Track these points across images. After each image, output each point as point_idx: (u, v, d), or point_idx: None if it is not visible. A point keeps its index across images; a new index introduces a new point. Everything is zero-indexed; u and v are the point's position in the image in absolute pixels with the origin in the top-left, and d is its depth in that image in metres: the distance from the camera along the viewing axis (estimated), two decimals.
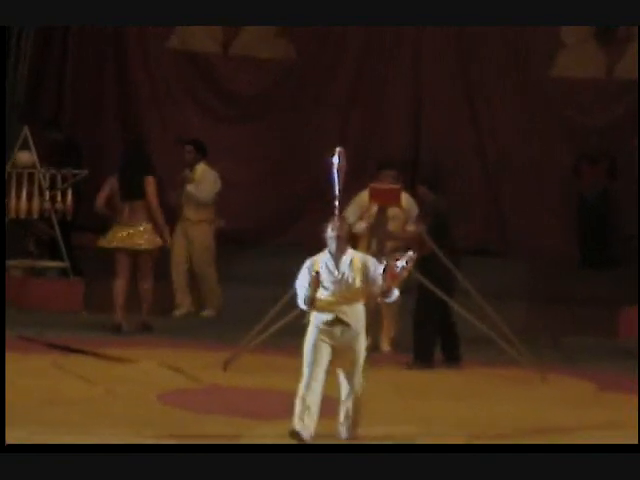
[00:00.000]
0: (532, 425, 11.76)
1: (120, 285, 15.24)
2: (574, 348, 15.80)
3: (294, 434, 9.69)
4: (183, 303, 17.02)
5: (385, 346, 14.95)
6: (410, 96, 20.90)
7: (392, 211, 14.38)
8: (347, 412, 9.91)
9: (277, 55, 20.78)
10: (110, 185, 15.35)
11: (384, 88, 20.79)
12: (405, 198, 14.46)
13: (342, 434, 9.96)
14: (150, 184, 15.24)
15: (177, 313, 16.96)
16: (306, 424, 9.77)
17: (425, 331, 14.16)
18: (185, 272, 16.99)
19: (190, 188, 16.55)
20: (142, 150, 16.39)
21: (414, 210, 14.53)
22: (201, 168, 16.71)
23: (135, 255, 15.32)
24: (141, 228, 15.31)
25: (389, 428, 10.65)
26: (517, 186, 20.27)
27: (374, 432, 10.28)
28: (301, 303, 10.01)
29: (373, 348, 13.32)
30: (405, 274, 9.95)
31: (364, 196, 14.35)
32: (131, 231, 15.38)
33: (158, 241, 15.25)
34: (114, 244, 15.26)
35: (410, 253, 10.08)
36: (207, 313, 17.04)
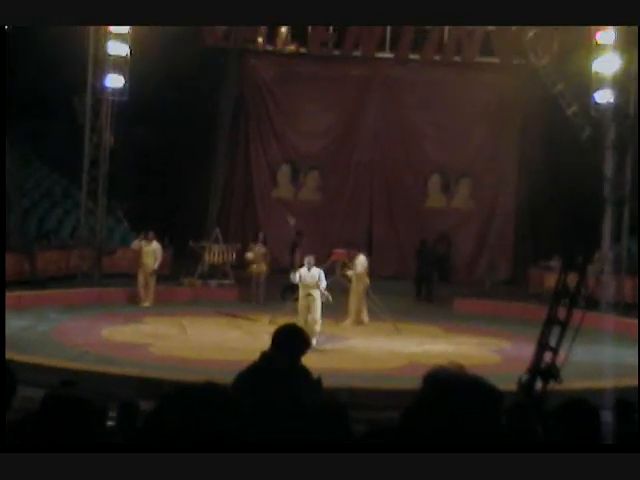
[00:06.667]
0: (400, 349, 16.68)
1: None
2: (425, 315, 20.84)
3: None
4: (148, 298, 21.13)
5: (365, 319, 19.45)
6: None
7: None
8: (312, 329, 15.12)
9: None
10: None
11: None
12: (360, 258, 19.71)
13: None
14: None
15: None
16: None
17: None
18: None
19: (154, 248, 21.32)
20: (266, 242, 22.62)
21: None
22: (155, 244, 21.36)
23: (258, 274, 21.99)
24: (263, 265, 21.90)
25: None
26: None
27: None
28: (294, 280, 16.48)
29: (359, 322, 19.38)
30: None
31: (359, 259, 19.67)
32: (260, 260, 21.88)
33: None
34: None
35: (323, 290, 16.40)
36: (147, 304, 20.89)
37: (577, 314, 10.17)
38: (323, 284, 16.38)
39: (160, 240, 21.84)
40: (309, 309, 16.22)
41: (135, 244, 21.70)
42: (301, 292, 16.35)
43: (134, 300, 21.11)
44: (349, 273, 19.55)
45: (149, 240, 21.31)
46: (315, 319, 16.13)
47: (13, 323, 15.87)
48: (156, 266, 21.24)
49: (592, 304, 14.34)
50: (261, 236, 22.74)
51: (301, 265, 17.20)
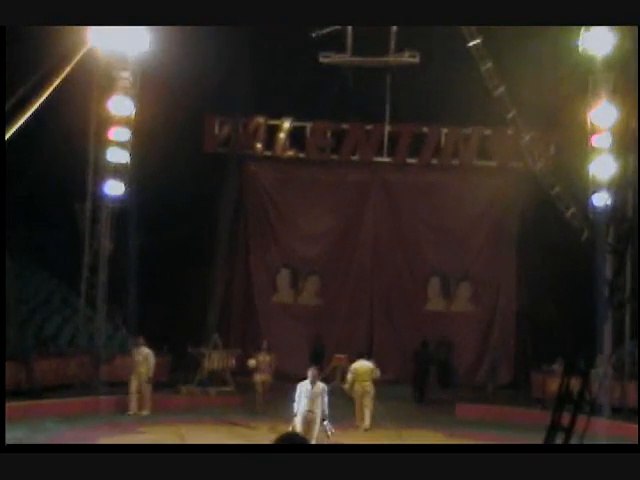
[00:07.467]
0: None
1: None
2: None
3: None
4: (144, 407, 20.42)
5: (364, 425, 19.22)
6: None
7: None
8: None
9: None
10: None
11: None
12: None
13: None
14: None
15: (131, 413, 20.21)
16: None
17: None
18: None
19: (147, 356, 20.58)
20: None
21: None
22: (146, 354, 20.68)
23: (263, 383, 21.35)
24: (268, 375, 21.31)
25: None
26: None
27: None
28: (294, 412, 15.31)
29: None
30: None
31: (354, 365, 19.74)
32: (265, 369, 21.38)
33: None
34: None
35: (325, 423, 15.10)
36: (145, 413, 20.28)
37: (581, 419, 10.05)
38: (325, 399, 15.25)
39: (157, 347, 21.55)
40: (308, 423, 15.19)
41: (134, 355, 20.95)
42: (301, 407, 15.19)
43: (125, 408, 20.49)
44: (346, 387, 19.62)
45: (139, 346, 20.67)
46: (313, 435, 15.16)
47: (8, 434, 15.57)
48: (150, 373, 20.53)
49: (596, 409, 14.19)
50: (265, 344, 22.06)
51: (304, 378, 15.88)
